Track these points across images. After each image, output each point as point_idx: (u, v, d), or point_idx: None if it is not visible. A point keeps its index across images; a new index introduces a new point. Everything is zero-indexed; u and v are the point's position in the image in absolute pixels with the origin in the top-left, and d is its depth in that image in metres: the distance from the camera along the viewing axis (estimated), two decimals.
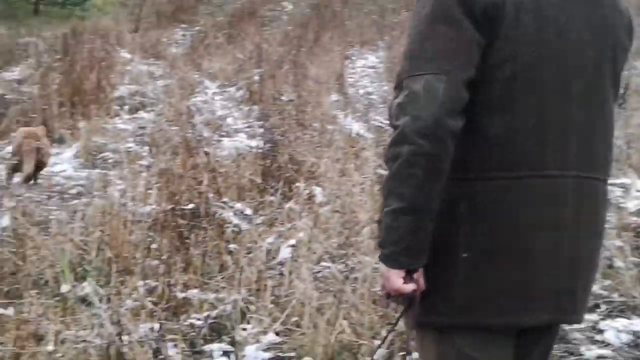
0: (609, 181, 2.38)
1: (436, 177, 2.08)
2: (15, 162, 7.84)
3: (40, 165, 7.80)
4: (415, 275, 2.16)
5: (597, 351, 4.57)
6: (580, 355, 4.54)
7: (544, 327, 2.34)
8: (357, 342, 4.15)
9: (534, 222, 2.16)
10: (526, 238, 2.17)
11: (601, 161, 2.29)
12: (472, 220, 2.17)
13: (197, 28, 24.88)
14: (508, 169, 2.14)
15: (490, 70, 2.11)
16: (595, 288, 5.31)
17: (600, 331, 4.84)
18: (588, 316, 5.00)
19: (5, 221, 5.73)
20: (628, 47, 2.36)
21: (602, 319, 4.95)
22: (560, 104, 2.18)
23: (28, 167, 7.62)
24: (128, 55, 16.01)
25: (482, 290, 2.18)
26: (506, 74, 2.12)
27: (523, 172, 2.15)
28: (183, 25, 26.35)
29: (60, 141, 9.36)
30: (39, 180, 7.82)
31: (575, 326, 4.86)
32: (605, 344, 4.69)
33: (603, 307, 5.13)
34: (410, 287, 2.15)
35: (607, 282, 5.36)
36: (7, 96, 10.64)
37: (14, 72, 13.32)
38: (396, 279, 2.15)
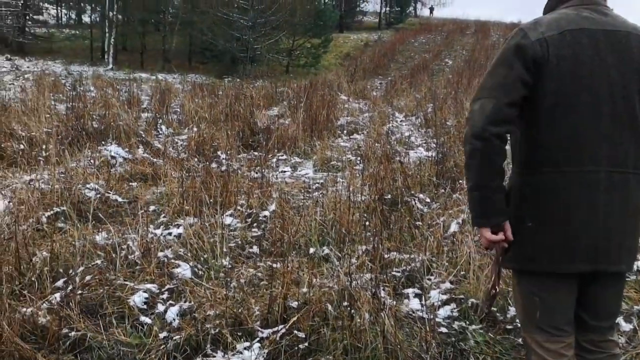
0: None
1: (488, 164, 2.26)
2: None
3: None
4: (500, 232, 2.31)
5: None
6: None
7: (604, 275, 2.33)
8: (507, 289, 4.01)
9: (574, 203, 2.24)
10: (569, 213, 2.25)
11: (632, 159, 2.27)
12: (533, 200, 2.30)
13: (389, 78, 25.01)
14: (556, 166, 2.25)
15: (540, 99, 2.23)
16: None
17: None
18: None
19: (273, 207, 5.89)
20: None
21: None
22: (593, 122, 2.22)
23: None
24: (345, 98, 16.16)
25: (540, 247, 2.30)
26: (551, 102, 2.22)
27: (566, 168, 2.23)
28: (380, 77, 26.56)
29: (305, 154, 9.54)
30: None
31: None
32: None
33: None
34: (497, 237, 2.31)
35: None
36: (271, 126, 10.95)
37: (274, 110, 13.72)
38: (485, 233, 2.33)
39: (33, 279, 4.12)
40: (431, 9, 59.76)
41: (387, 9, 54.71)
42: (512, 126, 2.28)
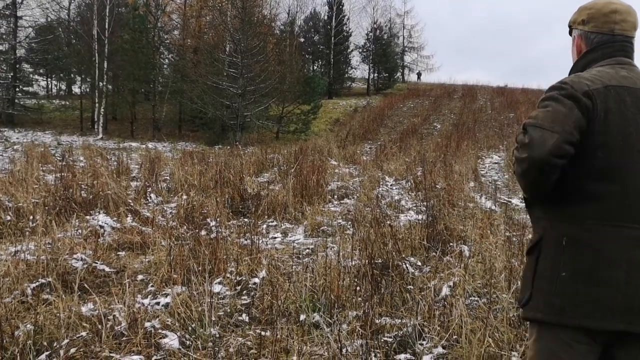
0: None
1: (536, 186, 2.24)
2: None
3: None
4: None
5: None
6: None
7: (634, 337, 2.17)
8: (500, 353, 3.97)
9: (614, 259, 2.15)
10: (606, 269, 2.15)
11: None
12: (571, 251, 2.20)
13: (379, 143, 25.22)
14: (597, 219, 2.18)
15: (589, 152, 2.18)
16: None
17: None
18: None
19: (263, 273, 5.85)
20: None
21: None
22: (638, 177, 2.18)
23: None
24: (335, 163, 16.28)
25: (573, 300, 2.17)
26: (600, 156, 2.18)
27: (607, 222, 2.17)
28: (369, 142, 26.79)
29: (295, 220, 9.53)
30: None
31: None
32: None
33: None
34: None
35: None
36: (261, 192, 10.97)
37: (264, 177, 13.78)
38: None
39: (16, 352, 4.04)
40: (419, 74, 60.88)
41: (375, 75, 55.75)
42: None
